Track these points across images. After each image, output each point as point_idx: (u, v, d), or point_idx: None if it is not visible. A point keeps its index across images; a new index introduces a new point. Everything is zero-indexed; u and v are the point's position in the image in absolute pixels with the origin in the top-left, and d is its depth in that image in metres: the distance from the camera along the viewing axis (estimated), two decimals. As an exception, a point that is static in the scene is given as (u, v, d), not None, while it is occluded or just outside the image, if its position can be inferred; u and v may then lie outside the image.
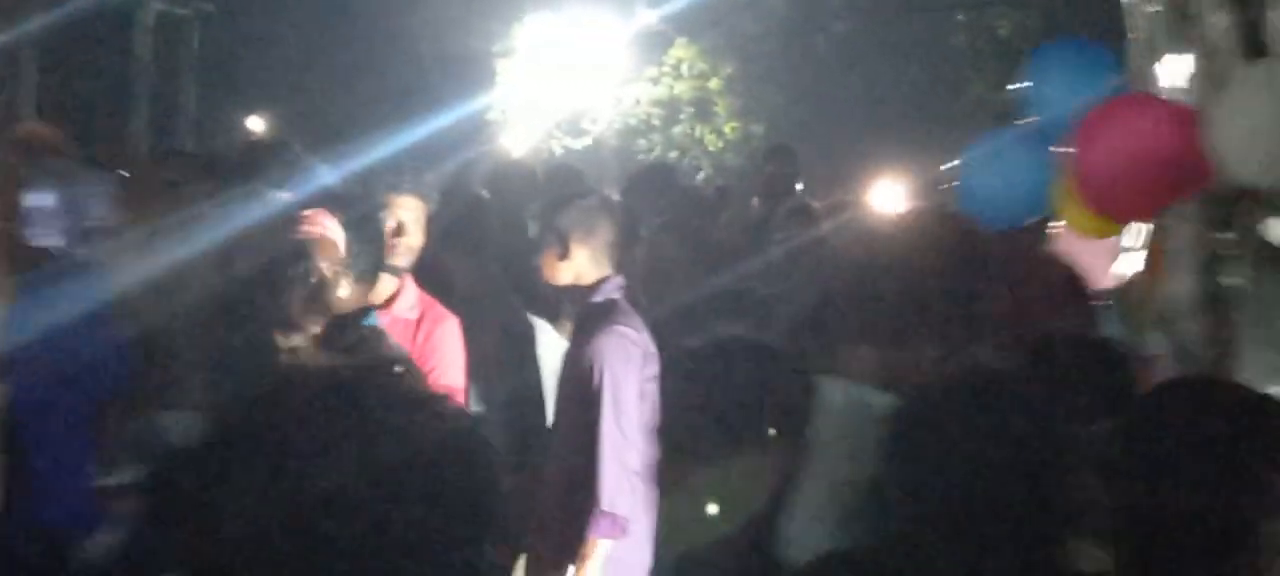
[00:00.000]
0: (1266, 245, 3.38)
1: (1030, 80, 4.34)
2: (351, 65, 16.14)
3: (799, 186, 6.90)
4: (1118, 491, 2.37)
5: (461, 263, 5.24)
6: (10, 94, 15.41)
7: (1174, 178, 3.58)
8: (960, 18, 13.69)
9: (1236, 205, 3.56)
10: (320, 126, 12.46)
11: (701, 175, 13.02)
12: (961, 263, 3.17)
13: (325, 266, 3.50)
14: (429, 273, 5.05)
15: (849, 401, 3.03)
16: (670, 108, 13.99)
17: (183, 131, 17.20)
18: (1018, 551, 2.42)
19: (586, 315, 4.46)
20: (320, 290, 3.46)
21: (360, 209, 4.26)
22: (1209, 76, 3.68)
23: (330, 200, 4.16)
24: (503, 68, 13.50)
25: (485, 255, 5.30)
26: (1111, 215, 4.00)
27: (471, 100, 12.52)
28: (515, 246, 5.38)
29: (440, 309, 4.71)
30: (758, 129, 13.59)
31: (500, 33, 13.76)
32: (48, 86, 16.44)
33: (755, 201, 6.72)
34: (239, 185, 5.11)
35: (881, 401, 2.89)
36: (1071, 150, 3.80)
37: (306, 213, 3.62)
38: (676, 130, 13.90)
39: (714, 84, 13.85)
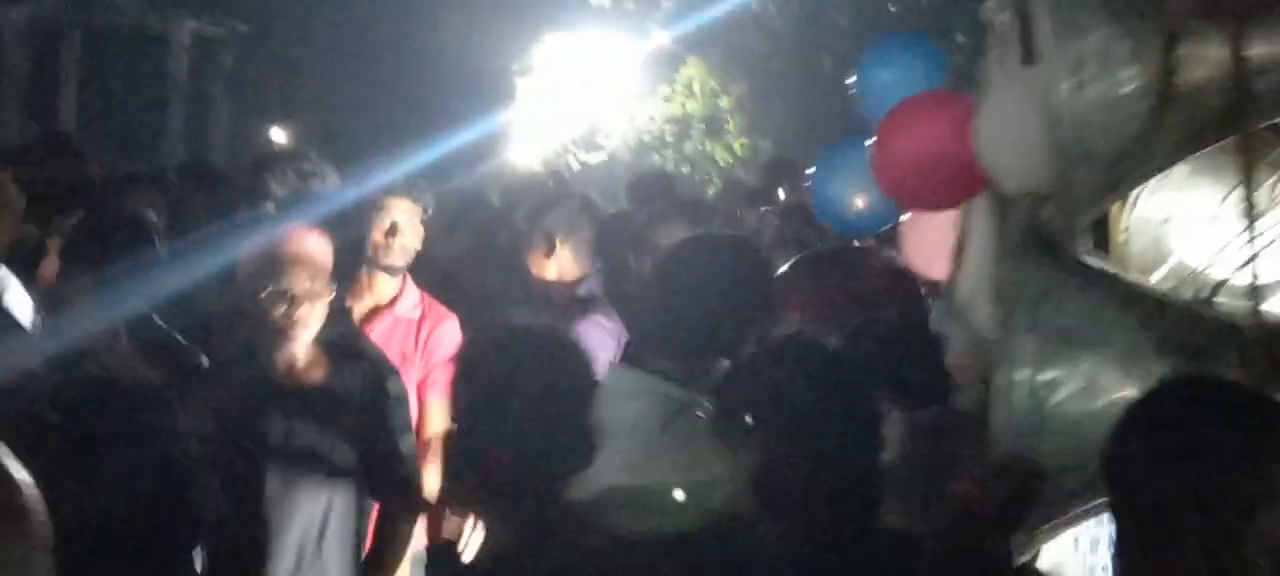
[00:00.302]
0: (1034, 236, 3.45)
1: (859, 77, 4.33)
2: (379, 82, 16.57)
3: (782, 194, 7.23)
4: (1115, 482, 2.40)
5: (473, 268, 5.49)
6: (51, 111, 15.80)
7: (953, 175, 3.63)
8: (960, 39, 13.94)
9: (1016, 198, 3.60)
10: (348, 140, 12.81)
11: (712, 189, 13.31)
12: (742, 286, 3.50)
13: (302, 282, 3.87)
14: (443, 277, 5.40)
15: (642, 387, 3.35)
16: (682, 124, 14.31)
17: (216, 146, 17.58)
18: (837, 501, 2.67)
19: (568, 308, 4.80)
20: (296, 305, 3.84)
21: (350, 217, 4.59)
22: (993, 78, 3.75)
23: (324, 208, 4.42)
24: (522, 84, 13.82)
25: (493, 261, 5.57)
26: (906, 206, 4.05)
27: (492, 115, 12.83)
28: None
29: (442, 309, 5.01)
30: (766, 145, 13.89)
31: (519, 52, 14.11)
32: (86, 103, 16.89)
33: (739, 210, 7.07)
34: (249, 194, 5.36)
35: (677, 393, 3.27)
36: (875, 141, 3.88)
37: (291, 232, 3.99)
38: (688, 146, 14.22)
39: (725, 102, 14.17)
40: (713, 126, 14.23)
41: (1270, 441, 2.27)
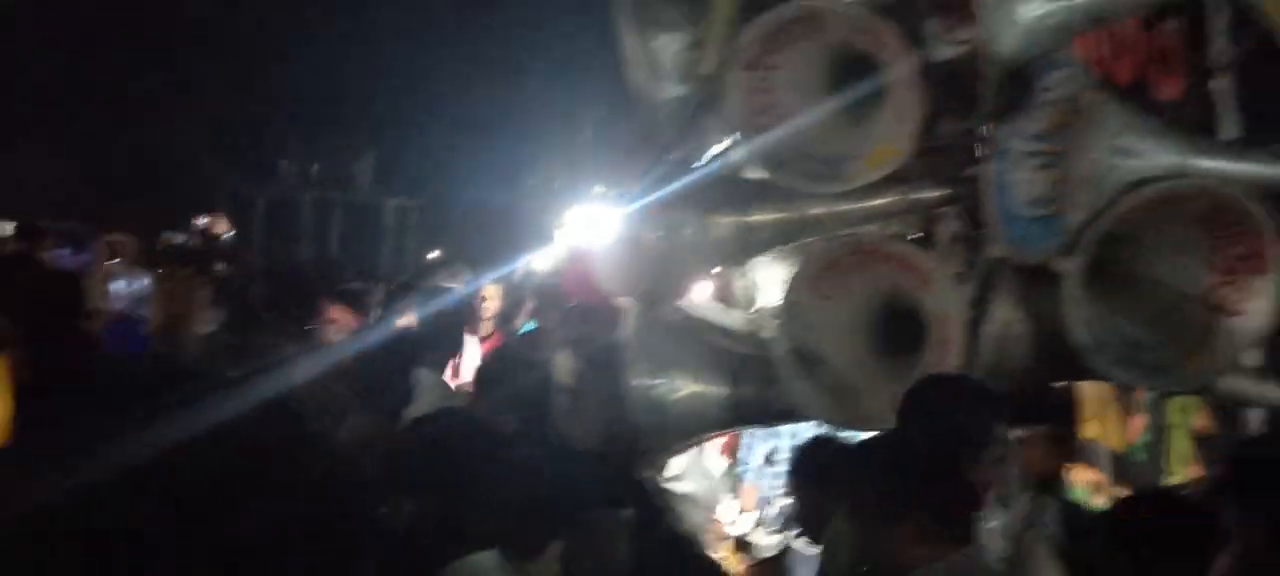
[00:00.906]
0: (647, 306, 3.47)
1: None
2: (492, 230, 18.08)
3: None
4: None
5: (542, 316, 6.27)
6: (324, 246, 17.67)
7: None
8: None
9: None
10: (479, 259, 13.37)
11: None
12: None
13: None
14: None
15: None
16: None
17: (408, 266, 17.41)
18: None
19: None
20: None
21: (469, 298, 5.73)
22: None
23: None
24: (557, 232, 16.00)
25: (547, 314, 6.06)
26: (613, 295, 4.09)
27: (543, 245, 14.84)
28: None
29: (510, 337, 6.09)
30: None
31: (557, 215, 15.60)
32: (343, 243, 19.51)
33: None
34: (422, 284, 5.94)
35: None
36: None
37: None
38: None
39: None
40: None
41: (986, 411, 2.47)
